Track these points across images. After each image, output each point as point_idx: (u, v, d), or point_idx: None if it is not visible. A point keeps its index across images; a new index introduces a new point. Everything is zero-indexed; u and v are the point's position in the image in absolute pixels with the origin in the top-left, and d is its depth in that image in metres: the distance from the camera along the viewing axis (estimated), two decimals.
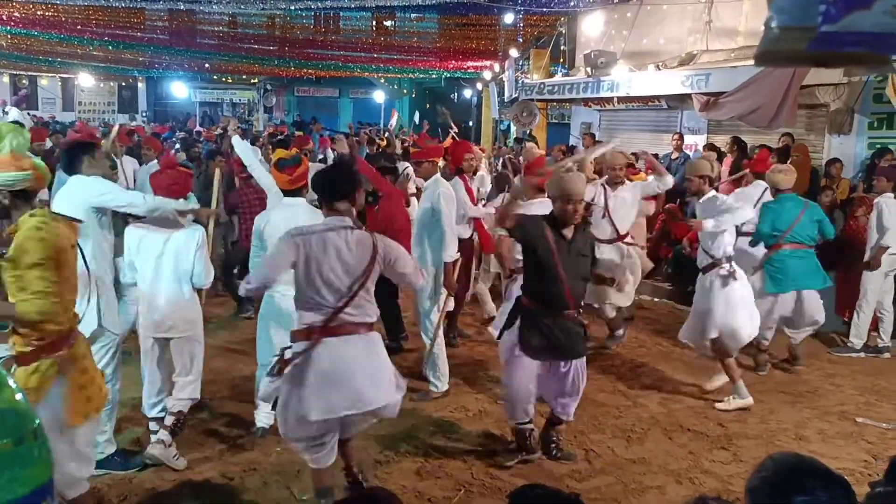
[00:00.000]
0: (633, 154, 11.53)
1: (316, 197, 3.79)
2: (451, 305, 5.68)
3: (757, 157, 7.50)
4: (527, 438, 4.44)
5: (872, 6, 1.37)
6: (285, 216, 4.24)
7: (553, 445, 4.54)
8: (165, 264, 4.11)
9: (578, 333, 4.29)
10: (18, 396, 1.11)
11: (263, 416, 4.59)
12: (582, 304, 4.37)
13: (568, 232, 4.19)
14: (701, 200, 5.52)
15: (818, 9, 1.40)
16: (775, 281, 5.97)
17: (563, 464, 4.47)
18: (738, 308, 5.33)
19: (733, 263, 5.37)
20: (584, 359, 4.40)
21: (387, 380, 3.55)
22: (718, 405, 5.38)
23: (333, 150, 12.58)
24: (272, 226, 4.30)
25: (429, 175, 5.69)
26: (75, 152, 4.26)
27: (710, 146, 10.29)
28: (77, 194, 4.04)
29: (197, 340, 4.33)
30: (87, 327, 3.85)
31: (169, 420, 4.25)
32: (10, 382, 1.11)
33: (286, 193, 4.48)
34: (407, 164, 8.78)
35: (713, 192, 5.48)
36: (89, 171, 4.15)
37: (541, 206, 4.98)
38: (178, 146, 12.43)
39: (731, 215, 5.28)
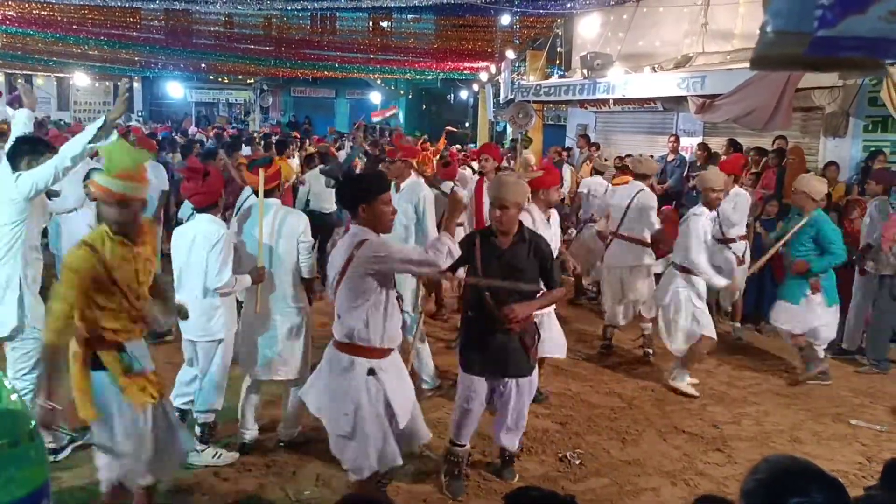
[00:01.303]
0: (629, 156, 11.60)
1: None
2: (431, 307, 5.62)
3: (730, 159, 7.50)
4: (457, 463, 4.11)
5: (868, 11, 1.38)
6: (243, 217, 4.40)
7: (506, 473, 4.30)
8: (190, 264, 4.09)
9: (516, 349, 3.91)
10: (14, 398, 1.10)
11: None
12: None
13: (503, 241, 3.89)
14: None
15: (814, 14, 1.40)
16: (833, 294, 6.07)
17: (558, 465, 4.47)
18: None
19: None
20: (528, 380, 4.04)
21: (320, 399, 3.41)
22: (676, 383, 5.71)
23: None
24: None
25: (399, 174, 5.54)
26: (22, 149, 4.14)
27: (703, 146, 10.32)
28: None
29: (215, 348, 4.18)
30: (6, 327, 3.93)
31: (197, 430, 4.27)
32: (6, 383, 1.11)
33: (256, 194, 4.44)
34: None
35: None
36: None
37: None
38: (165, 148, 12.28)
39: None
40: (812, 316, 5.91)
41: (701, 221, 5.58)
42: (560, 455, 4.57)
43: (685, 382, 5.74)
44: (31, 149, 4.12)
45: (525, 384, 4.04)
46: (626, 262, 6.43)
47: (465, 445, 4.13)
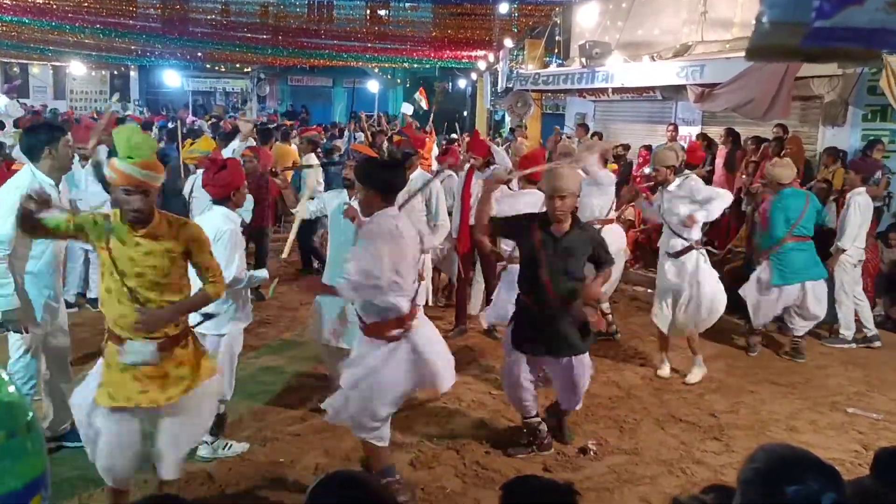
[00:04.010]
0: (624, 145, 11.59)
1: None
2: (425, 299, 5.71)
3: (688, 147, 7.33)
4: (535, 434, 4.48)
5: (866, 2, 1.37)
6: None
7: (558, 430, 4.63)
8: None
9: (572, 328, 4.22)
10: (11, 389, 1.10)
11: None
12: (575, 300, 4.22)
13: (558, 229, 4.13)
14: (671, 188, 5.63)
15: (812, 4, 1.39)
16: (781, 274, 6.18)
17: (554, 453, 4.49)
18: (717, 285, 5.67)
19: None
20: (586, 354, 4.33)
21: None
22: (689, 378, 5.75)
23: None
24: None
25: (409, 164, 5.64)
26: (38, 138, 4.00)
27: (702, 136, 10.31)
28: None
29: (220, 341, 4.12)
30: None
31: None
32: (3, 375, 1.11)
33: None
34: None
35: (688, 175, 5.66)
36: (44, 165, 3.96)
37: (530, 196, 5.19)
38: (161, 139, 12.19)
39: (719, 201, 5.54)
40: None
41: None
42: (580, 447, 4.57)
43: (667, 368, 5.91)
44: (48, 137, 4.00)
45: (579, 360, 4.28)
46: None
47: (534, 416, 4.46)
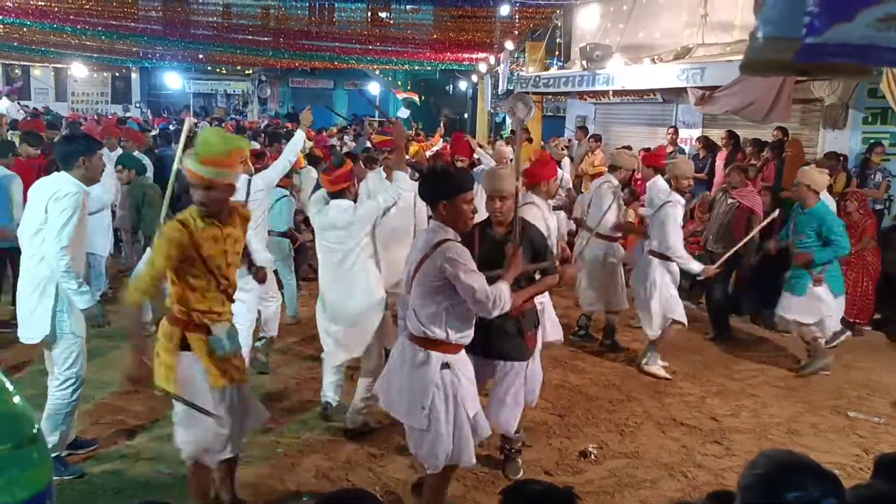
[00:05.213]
0: (626, 147, 11.59)
1: None
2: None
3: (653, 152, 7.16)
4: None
5: (855, 19, 1.40)
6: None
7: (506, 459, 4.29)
8: None
9: (510, 333, 3.94)
10: (16, 400, 1.11)
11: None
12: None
13: (499, 231, 3.96)
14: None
15: (802, 20, 1.41)
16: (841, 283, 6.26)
17: (555, 457, 4.49)
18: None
19: None
20: (523, 364, 4.03)
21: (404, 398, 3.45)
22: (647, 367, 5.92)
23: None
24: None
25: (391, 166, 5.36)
26: (75, 148, 3.99)
27: (703, 138, 10.32)
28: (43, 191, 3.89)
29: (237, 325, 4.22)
30: (39, 332, 3.90)
31: None
32: (8, 386, 1.11)
33: (331, 196, 4.59)
34: None
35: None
36: (76, 173, 3.93)
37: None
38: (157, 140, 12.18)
39: None
40: (820, 306, 5.98)
41: (679, 209, 5.75)
42: (580, 450, 4.56)
43: (657, 366, 5.92)
44: (84, 148, 4.01)
45: (519, 368, 4.03)
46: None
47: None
